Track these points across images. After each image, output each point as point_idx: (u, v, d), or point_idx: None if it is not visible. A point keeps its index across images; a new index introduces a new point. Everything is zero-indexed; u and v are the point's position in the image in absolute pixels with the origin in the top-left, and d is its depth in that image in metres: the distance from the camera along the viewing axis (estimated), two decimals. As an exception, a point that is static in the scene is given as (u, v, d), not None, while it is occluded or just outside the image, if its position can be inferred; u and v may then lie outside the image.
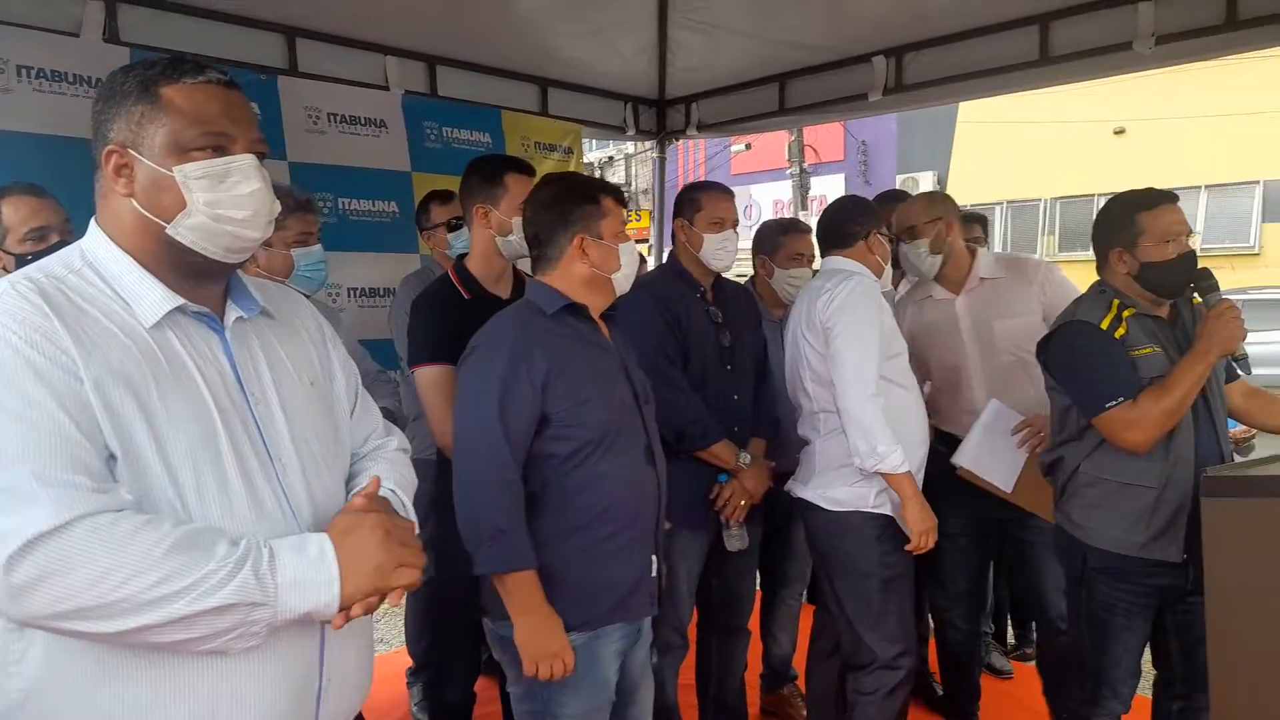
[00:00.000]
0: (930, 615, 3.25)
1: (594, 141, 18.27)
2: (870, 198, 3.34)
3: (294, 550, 1.14)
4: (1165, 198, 2.28)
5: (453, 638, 2.60)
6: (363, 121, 3.64)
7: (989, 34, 3.69)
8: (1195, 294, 2.29)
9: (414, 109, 3.83)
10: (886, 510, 2.47)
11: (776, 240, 3.17)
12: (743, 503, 2.66)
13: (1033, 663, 3.23)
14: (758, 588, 3.16)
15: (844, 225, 2.63)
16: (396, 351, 3.13)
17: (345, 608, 1.16)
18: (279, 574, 1.10)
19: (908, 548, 2.44)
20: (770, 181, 18.55)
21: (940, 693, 3.35)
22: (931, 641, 3.32)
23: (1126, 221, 2.28)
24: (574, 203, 1.98)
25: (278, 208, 1.31)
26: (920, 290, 3.04)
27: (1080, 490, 2.33)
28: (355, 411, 1.46)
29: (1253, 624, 1.80)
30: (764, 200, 18.66)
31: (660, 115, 4.89)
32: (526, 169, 2.45)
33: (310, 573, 1.13)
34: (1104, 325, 2.25)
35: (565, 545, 1.90)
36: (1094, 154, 14.72)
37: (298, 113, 3.45)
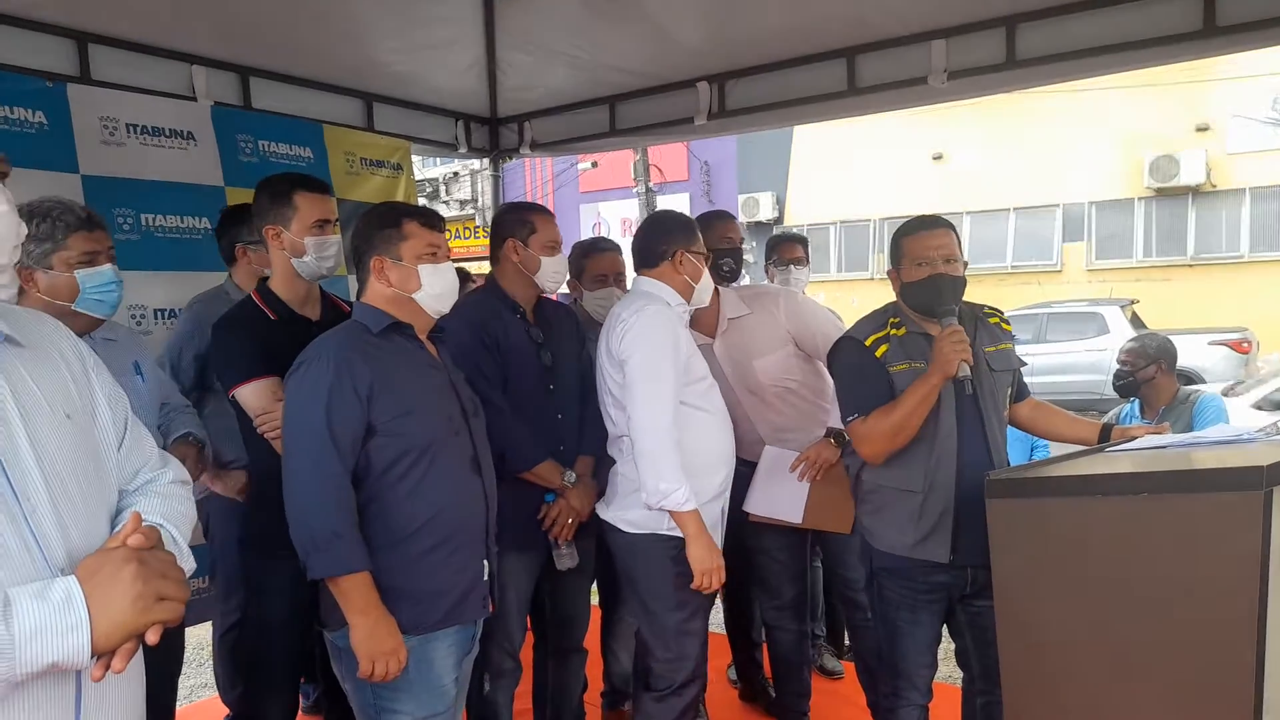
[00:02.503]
0: (761, 623, 3.36)
1: (438, 158, 17.98)
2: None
3: (35, 597, 1.04)
4: (927, 225, 2.43)
5: (269, 681, 2.47)
6: (168, 133, 3.40)
7: (802, 65, 3.89)
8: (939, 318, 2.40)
9: (226, 121, 3.61)
10: (682, 533, 2.47)
11: (580, 263, 3.22)
12: (570, 521, 2.66)
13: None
14: (596, 605, 3.17)
15: (650, 245, 2.64)
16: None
17: (104, 651, 1.07)
18: (14, 624, 1.01)
19: (692, 586, 2.44)
20: (618, 200, 18.79)
21: (774, 696, 3.45)
22: (764, 647, 3.42)
23: (896, 246, 2.46)
24: (375, 227, 2.11)
25: (24, 231, 1.21)
26: None
27: (866, 496, 2.49)
28: (124, 444, 1.36)
29: (1038, 618, 1.93)
30: (612, 218, 18.89)
31: (493, 133, 4.85)
32: (318, 186, 2.40)
33: (54, 619, 1.04)
34: (868, 341, 2.40)
35: (393, 554, 1.98)
36: (916, 178, 15.75)
37: (91, 123, 3.18)
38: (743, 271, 3.47)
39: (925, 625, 2.44)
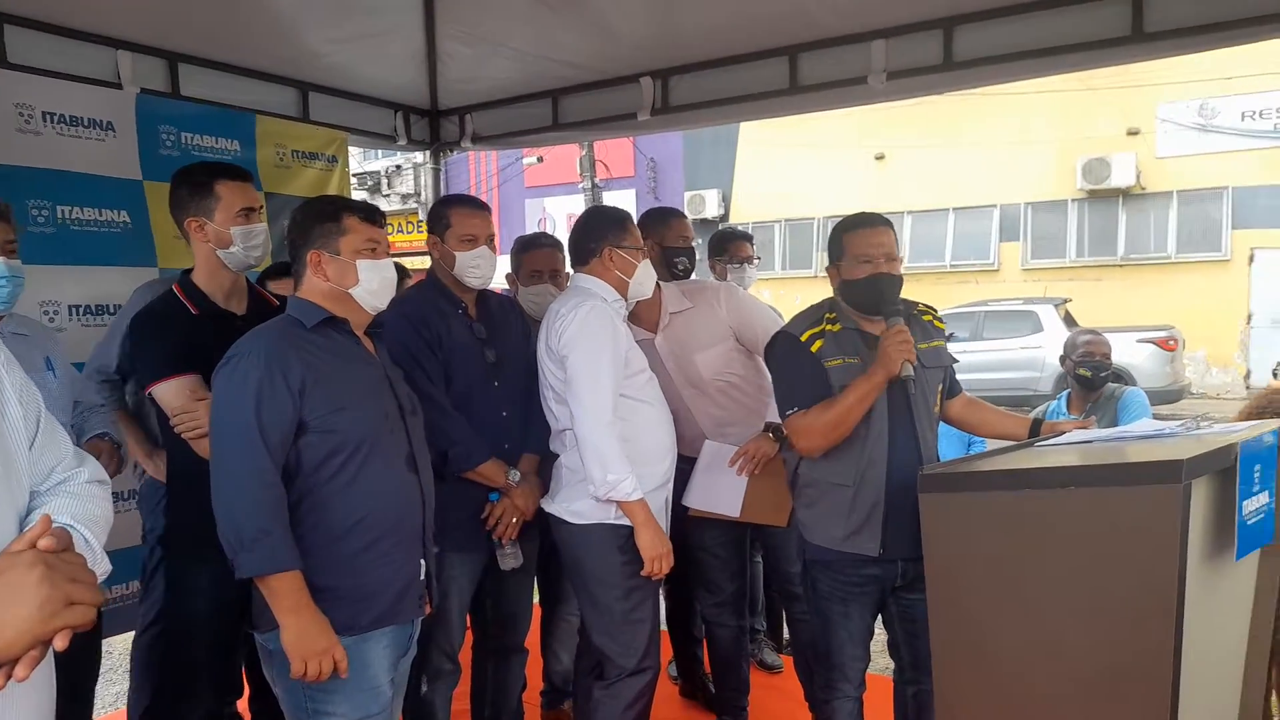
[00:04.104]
0: (701, 619, 3.37)
1: (380, 151, 17.68)
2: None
3: None
4: (869, 222, 2.46)
5: (188, 688, 2.37)
6: (86, 123, 3.26)
7: (745, 62, 3.91)
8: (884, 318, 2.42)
9: (150, 110, 3.48)
10: (629, 521, 2.51)
11: (518, 259, 3.20)
12: (514, 520, 2.64)
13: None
14: (536, 604, 3.15)
15: (582, 242, 2.66)
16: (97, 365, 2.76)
17: (7, 659, 1.02)
18: None
19: (642, 573, 2.50)
20: (564, 195, 18.70)
21: (714, 691, 3.46)
22: (704, 643, 3.43)
23: (836, 242, 2.49)
24: (313, 220, 2.07)
25: None
26: None
27: (801, 490, 2.53)
28: (35, 442, 1.30)
29: (969, 609, 1.98)
30: (557, 213, 18.78)
31: (434, 126, 4.78)
32: (239, 174, 2.36)
33: None
34: (803, 337, 2.43)
35: (326, 553, 1.95)
36: (860, 177, 15.97)
37: (6, 110, 3.04)
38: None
39: (856, 618, 2.48)
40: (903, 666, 2.57)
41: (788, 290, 15.73)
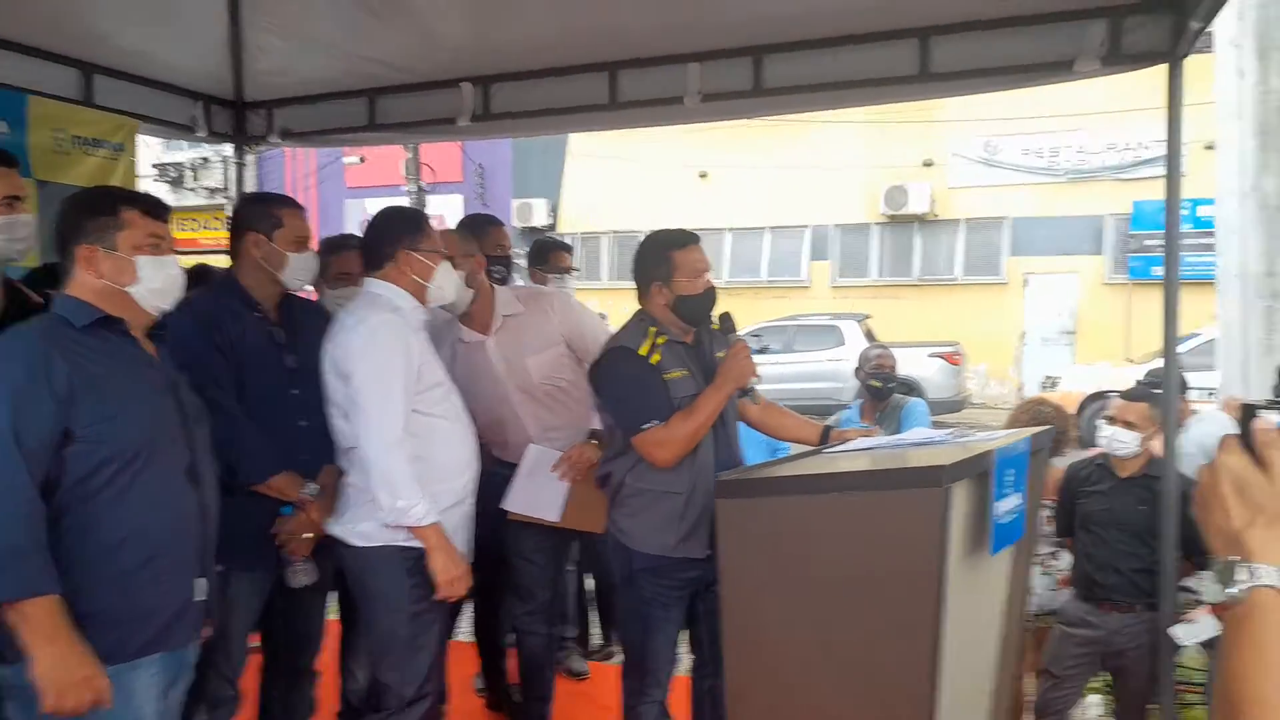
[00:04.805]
0: (511, 628, 3.35)
1: (186, 142, 16.47)
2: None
3: None
4: (691, 238, 2.59)
5: None
6: None
7: (567, 75, 3.92)
8: (722, 334, 2.63)
9: (-105, 84, 3.09)
10: (418, 543, 2.40)
11: (325, 260, 3.08)
12: (308, 535, 2.52)
13: (615, 662, 3.47)
14: (335, 621, 3.03)
15: (375, 245, 2.54)
16: None
17: None
18: None
19: (437, 596, 2.41)
20: (386, 197, 17.99)
21: (518, 700, 3.44)
22: (511, 652, 3.41)
23: (662, 259, 2.56)
24: (85, 213, 1.94)
25: None
26: (449, 332, 3.02)
27: (625, 500, 2.57)
28: None
29: (756, 608, 2.08)
30: (380, 216, 18.19)
31: (239, 118, 4.49)
32: (3, 159, 2.17)
33: None
34: (642, 351, 2.50)
35: (90, 574, 1.81)
36: (684, 194, 16.44)
37: None
38: (514, 276, 3.49)
39: (674, 620, 2.57)
40: (703, 660, 2.67)
41: (615, 300, 15.86)
